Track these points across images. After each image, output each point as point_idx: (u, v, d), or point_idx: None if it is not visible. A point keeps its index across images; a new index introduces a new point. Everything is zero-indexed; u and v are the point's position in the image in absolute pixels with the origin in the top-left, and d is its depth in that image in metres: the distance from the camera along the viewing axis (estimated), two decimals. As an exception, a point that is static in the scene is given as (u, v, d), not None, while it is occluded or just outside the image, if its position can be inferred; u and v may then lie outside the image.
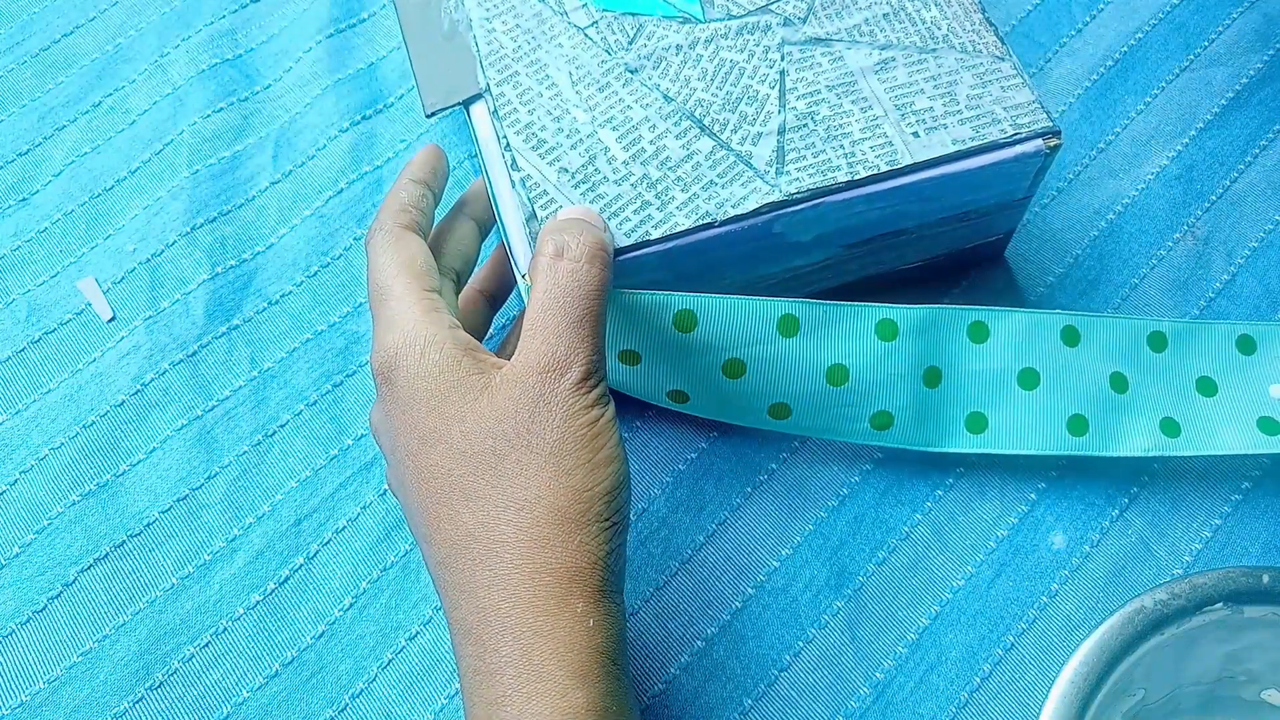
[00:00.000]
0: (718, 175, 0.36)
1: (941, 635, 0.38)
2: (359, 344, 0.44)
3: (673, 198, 0.36)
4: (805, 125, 0.37)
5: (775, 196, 0.36)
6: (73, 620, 0.38)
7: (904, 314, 0.37)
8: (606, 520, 0.31)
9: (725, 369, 0.37)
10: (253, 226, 0.46)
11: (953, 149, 0.36)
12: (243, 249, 0.46)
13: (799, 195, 0.36)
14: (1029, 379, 0.38)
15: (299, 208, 0.46)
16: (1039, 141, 0.37)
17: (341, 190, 0.47)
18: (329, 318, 0.44)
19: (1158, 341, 0.39)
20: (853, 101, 0.37)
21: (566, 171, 0.36)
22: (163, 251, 0.45)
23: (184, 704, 0.37)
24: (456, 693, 0.37)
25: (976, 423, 0.38)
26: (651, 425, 0.42)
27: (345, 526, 0.40)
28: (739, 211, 0.35)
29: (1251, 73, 0.49)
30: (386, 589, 0.39)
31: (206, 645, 0.38)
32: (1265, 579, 0.32)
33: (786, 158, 0.36)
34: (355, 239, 0.46)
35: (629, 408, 0.41)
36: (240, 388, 0.43)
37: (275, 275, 0.45)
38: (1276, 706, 0.34)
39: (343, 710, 0.37)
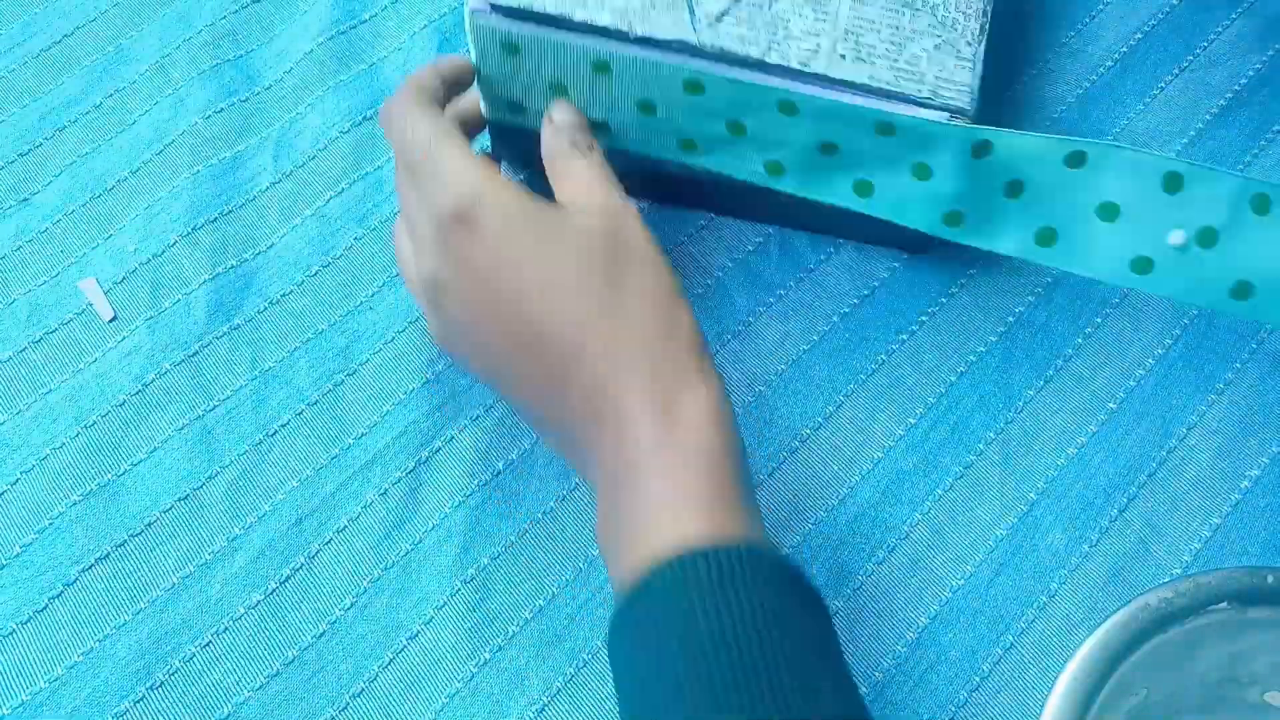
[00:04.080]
0: (655, 3, 0.38)
1: (941, 635, 0.38)
2: (360, 343, 0.44)
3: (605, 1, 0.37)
4: (761, 3, 0.38)
5: (692, 40, 0.37)
6: (74, 619, 0.38)
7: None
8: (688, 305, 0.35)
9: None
10: (254, 226, 0.46)
11: (864, 82, 0.37)
12: (244, 249, 0.46)
13: (709, 52, 0.37)
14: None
15: (300, 208, 0.46)
16: (945, 115, 0.37)
17: (342, 191, 0.47)
18: (330, 317, 0.44)
19: (1076, 159, 0.37)
20: (814, 7, 0.38)
21: None
22: (164, 251, 0.45)
23: (185, 703, 0.37)
24: (457, 692, 0.37)
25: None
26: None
27: (346, 526, 0.40)
28: (654, 36, 0.37)
29: (1251, 73, 0.49)
30: (387, 588, 0.39)
31: (207, 645, 0.38)
32: (1269, 579, 0.32)
33: (725, 18, 0.38)
34: (356, 239, 0.46)
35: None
36: (241, 387, 0.43)
37: (276, 275, 0.45)
38: (1278, 709, 0.34)
39: (343, 709, 0.37)
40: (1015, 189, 0.38)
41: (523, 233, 0.34)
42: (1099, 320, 0.44)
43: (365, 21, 0.51)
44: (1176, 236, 0.37)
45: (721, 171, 0.40)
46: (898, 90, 0.38)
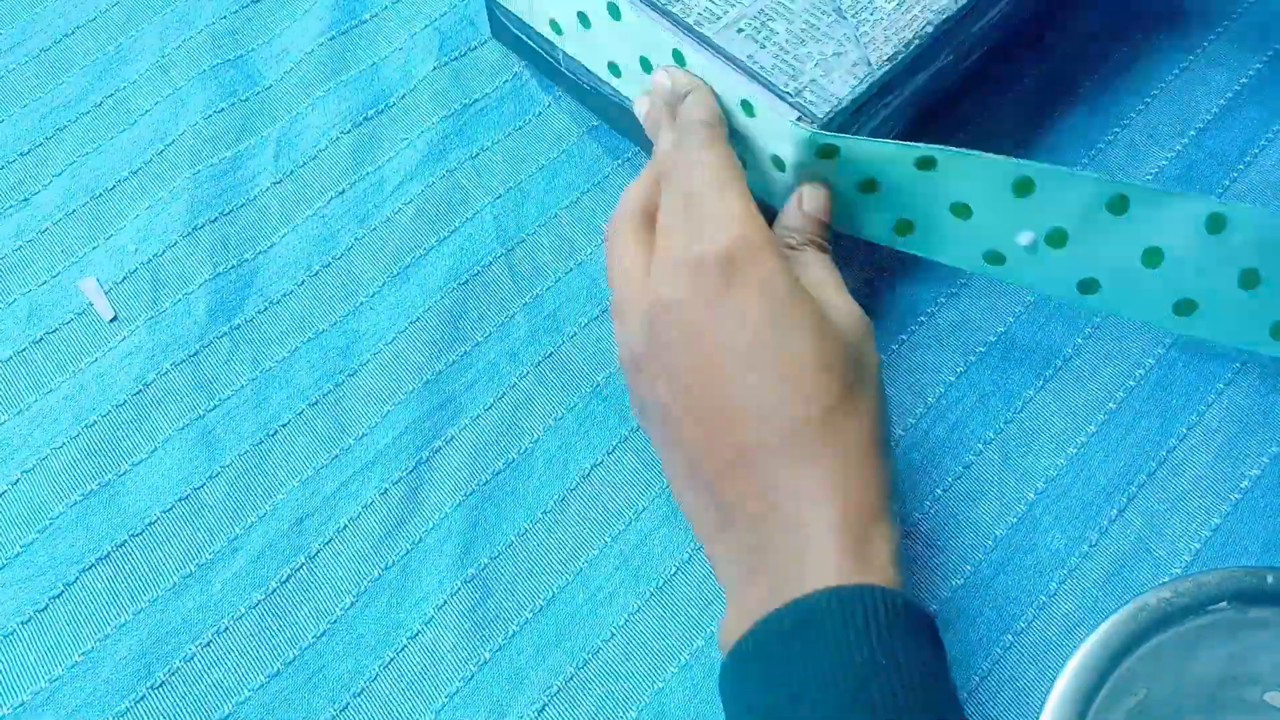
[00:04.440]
0: None
1: (940, 634, 0.38)
2: (360, 343, 0.44)
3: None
4: None
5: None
6: (74, 619, 0.38)
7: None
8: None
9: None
10: (254, 227, 0.46)
11: (739, 58, 0.39)
12: (244, 249, 0.46)
13: None
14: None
15: (300, 208, 0.47)
16: (793, 112, 0.37)
17: (343, 191, 0.47)
18: (330, 317, 0.44)
19: (925, 164, 0.38)
20: None
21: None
22: (164, 251, 0.45)
23: (185, 703, 0.37)
24: (457, 692, 0.37)
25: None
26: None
27: (346, 526, 0.40)
28: None
29: (1251, 73, 0.49)
30: (388, 588, 0.39)
31: (208, 644, 0.38)
32: (1269, 579, 0.32)
33: None
34: (356, 239, 0.46)
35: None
36: (242, 387, 0.43)
37: (277, 275, 0.45)
38: (1278, 709, 0.34)
39: (344, 709, 0.37)
40: (871, 187, 0.39)
41: (777, 301, 0.32)
42: (1099, 320, 0.44)
43: (365, 21, 0.51)
44: (1025, 237, 0.38)
45: None
46: (766, 77, 0.38)
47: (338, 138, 0.48)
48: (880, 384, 0.34)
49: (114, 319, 0.44)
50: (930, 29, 0.40)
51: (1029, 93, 0.49)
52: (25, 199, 0.47)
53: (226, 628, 0.38)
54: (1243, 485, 0.40)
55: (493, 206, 0.47)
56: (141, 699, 0.37)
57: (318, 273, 0.45)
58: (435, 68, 0.50)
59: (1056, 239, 0.38)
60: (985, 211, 0.38)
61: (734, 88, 0.38)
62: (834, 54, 0.39)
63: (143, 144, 0.48)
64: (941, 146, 0.37)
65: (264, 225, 0.46)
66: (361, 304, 0.45)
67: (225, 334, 0.44)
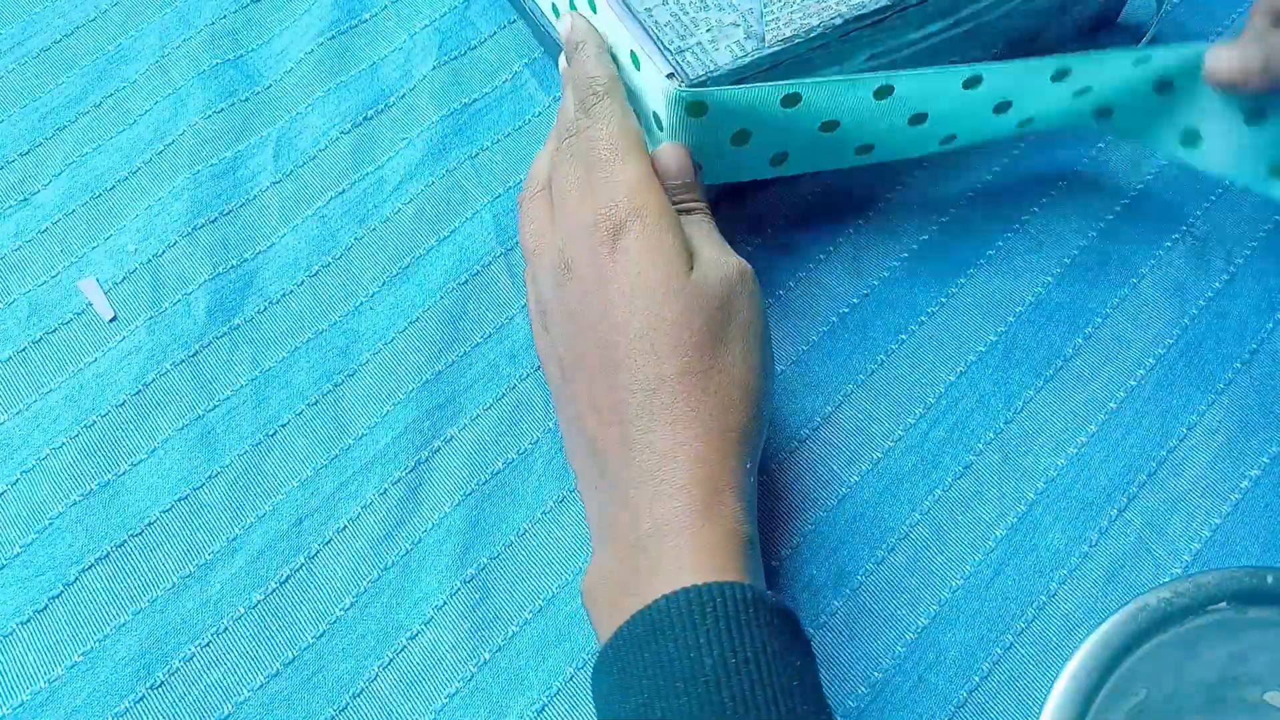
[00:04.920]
0: None
1: (940, 635, 0.38)
2: (360, 343, 0.44)
3: None
4: None
5: None
6: (73, 620, 0.38)
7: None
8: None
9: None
10: (254, 226, 0.46)
11: (636, 9, 0.39)
12: (244, 249, 0.46)
13: None
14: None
15: (300, 208, 0.47)
16: (668, 68, 0.37)
17: (343, 191, 0.47)
18: (330, 317, 0.44)
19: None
20: None
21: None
22: (164, 251, 0.45)
23: (185, 703, 0.37)
24: (457, 692, 0.37)
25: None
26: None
27: (346, 526, 0.40)
28: None
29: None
30: (387, 588, 0.39)
31: (207, 645, 0.38)
32: (1269, 579, 0.32)
33: None
34: (356, 239, 0.46)
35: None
36: (241, 387, 0.43)
37: (276, 275, 0.45)
38: (1278, 709, 0.34)
39: (343, 710, 0.37)
40: (742, 138, 0.40)
41: (651, 265, 0.35)
42: (1099, 320, 0.44)
43: (365, 21, 0.51)
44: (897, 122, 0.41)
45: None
46: (656, 33, 0.39)
47: (337, 138, 0.48)
48: (755, 335, 0.36)
49: (114, 319, 0.44)
50: (839, 21, 0.40)
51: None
52: (25, 199, 0.47)
53: (226, 628, 0.38)
54: (1243, 485, 0.40)
55: (492, 206, 0.47)
56: (141, 699, 0.37)
57: (317, 273, 0.45)
58: (435, 67, 0.50)
59: (918, 119, 0.41)
60: (852, 121, 0.40)
61: (626, 39, 0.39)
62: (731, 24, 0.39)
63: (142, 144, 0.48)
64: (801, 80, 0.38)
65: (264, 225, 0.46)
66: (361, 304, 0.45)
67: (225, 334, 0.44)
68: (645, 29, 0.38)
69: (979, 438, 0.42)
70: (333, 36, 0.51)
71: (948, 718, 0.37)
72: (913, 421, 0.42)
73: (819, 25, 0.39)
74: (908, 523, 0.40)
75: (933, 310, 0.44)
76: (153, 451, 0.41)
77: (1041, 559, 0.39)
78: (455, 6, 0.52)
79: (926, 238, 0.46)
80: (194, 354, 0.43)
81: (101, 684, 0.37)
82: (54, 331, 0.44)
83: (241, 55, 0.50)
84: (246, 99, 0.49)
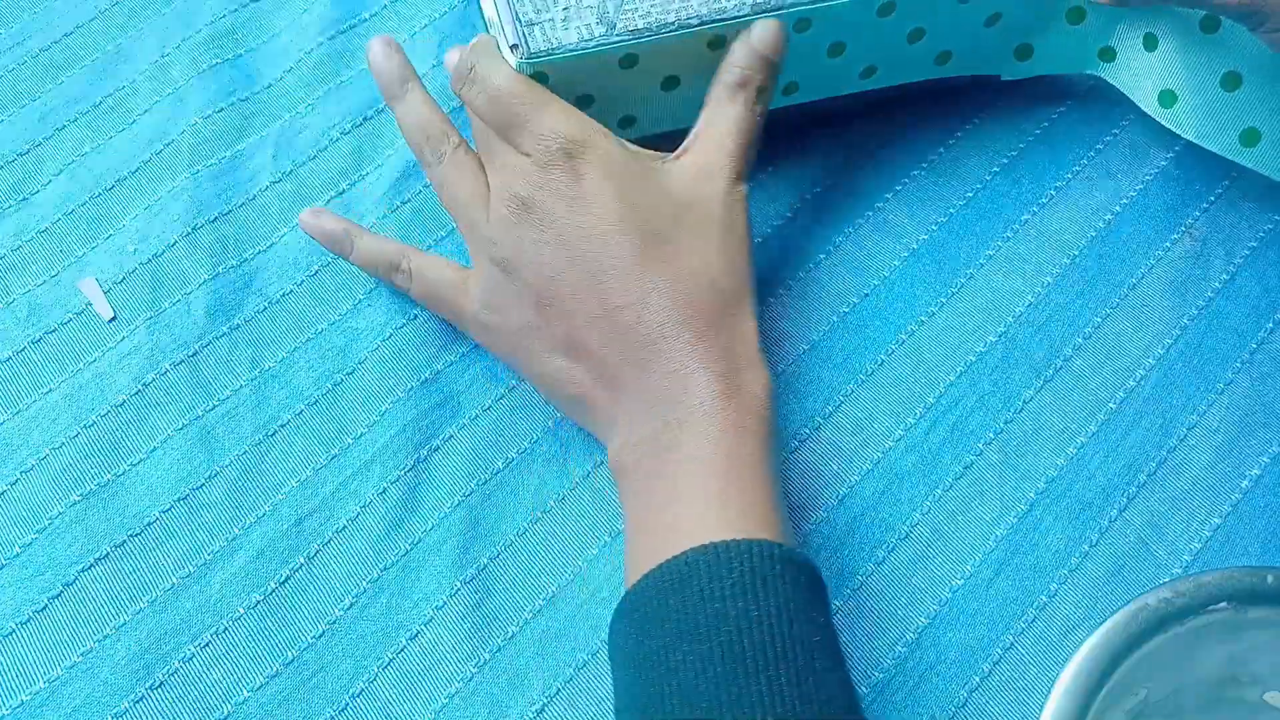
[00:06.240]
0: None
1: (941, 635, 0.38)
2: (359, 342, 0.44)
3: None
4: None
5: None
6: (73, 620, 0.38)
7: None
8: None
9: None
10: (254, 226, 0.46)
11: None
12: (244, 249, 0.46)
13: None
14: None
15: (300, 208, 0.46)
16: (514, 39, 0.39)
17: (343, 191, 0.47)
18: (330, 317, 0.44)
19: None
20: None
21: None
22: (163, 251, 0.45)
23: (184, 704, 0.37)
24: (457, 692, 0.37)
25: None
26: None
27: (346, 526, 0.40)
28: None
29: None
30: (387, 588, 0.39)
31: (207, 645, 0.38)
32: (1269, 579, 0.32)
33: None
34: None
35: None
36: (241, 387, 0.43)
37: (276, 275, 0.45)
38: (1278, 709, 0.34)
39: (343, 710, 0.37)
40: (586, 102, 0.41)
41: (618, 185, 0.37)
42: (1099, 320, 0.44)
43: (365, 21, 0.51)
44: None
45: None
46: (514, 4, 0.39)
47: (337, 138, 0.48)
48: (721, 221, 0.38)
49: (113, 319, 0.44)
50: (695, 21, 0.40)
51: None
52: (25, 199, 0.47)
53: (226, 628, 0.38)
54: (1243, 485, 0.40)
55: (492, 206, 0.47)
56: (141, 699, 0.37)
57: (317, 272, 0.45)
58: (434, 67, 0.50)
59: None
60: (691, 74, 0.41)
61: (490, 6, 0.40)
62: (587, 6, 0.40)
63: (142, 144, 0.48)
64: (637, 41, 0.39)
65: (263, 225, 0.46)
66: (360, 304, 0.44)
67: (224, 334, 0.44)
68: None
69: (979, 438, 0.42)
70: (333, 36, 0.51)
71: (948, 718, 0.37)
72: (913, 421, 0.42)
73: (674, 22, 0.40)
74: (908, 523, 0.40)
75: (933, 310, 0.44)
76: (152, 451, 0.41)
77: (1041, 559, 0.39)
78: (455, 6, 0.52)
79: (926, 238, 0.46)
80: (193, 354, 0.43)
81: (101, 684, 0.37)
82: (53, 331, 0.44)
83: (241, 55, 0.50)
84: (246, 99, 0.49)
